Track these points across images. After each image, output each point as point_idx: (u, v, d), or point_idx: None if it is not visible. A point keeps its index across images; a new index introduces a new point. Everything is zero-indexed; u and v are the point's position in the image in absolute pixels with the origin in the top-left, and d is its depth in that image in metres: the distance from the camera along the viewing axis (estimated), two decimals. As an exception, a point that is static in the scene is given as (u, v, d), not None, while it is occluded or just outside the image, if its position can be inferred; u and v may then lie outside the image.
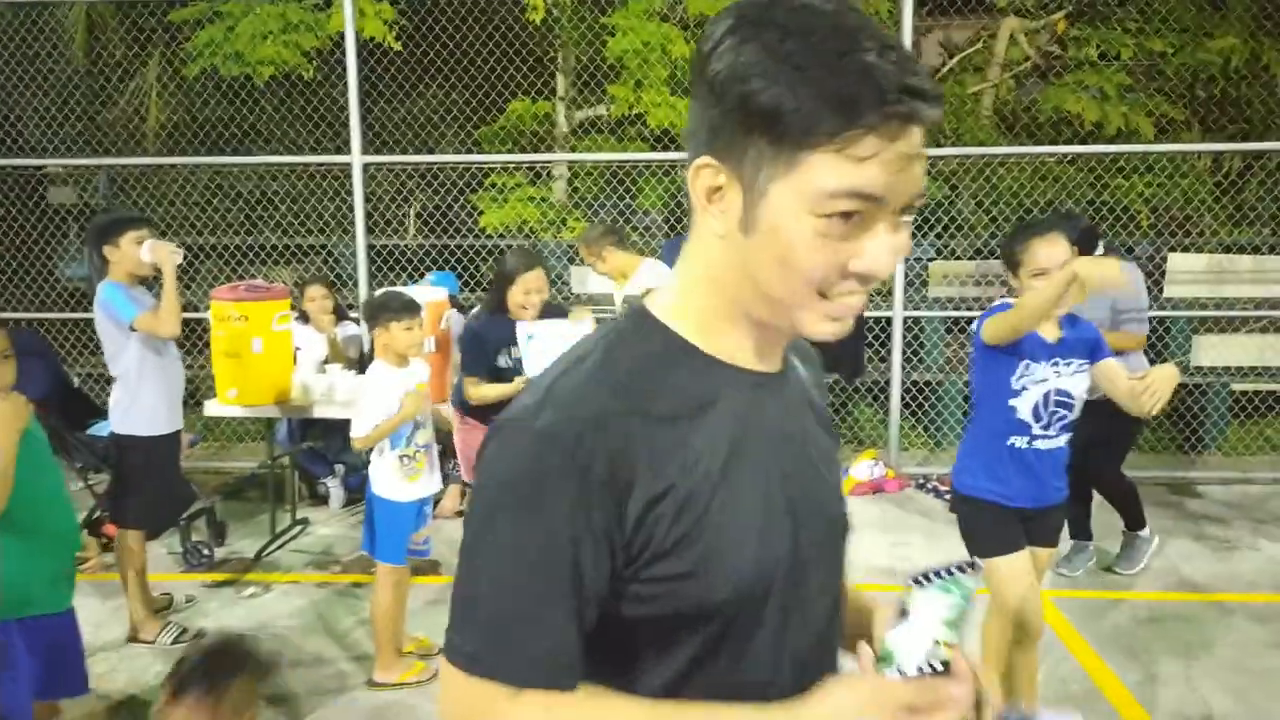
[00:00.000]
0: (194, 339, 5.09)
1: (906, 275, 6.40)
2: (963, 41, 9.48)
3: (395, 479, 3.38)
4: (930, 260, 7.29)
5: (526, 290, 3.81)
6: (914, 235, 5.71)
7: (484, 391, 3.87)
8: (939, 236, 7.44)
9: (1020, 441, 2.81)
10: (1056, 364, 2.79)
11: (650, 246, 7.38)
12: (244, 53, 6.84)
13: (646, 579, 0.84)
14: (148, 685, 3.44)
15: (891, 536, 4.96)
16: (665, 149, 7.32)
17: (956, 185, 7.65)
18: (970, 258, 7.33)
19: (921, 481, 5.91)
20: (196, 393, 5.54)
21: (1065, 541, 4.11)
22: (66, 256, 8.26)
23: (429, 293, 4.56)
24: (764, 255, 0.82)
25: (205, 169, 7.76)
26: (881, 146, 0.76)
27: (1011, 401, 2.79)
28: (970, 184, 7.34)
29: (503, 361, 3.90)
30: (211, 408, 4.42)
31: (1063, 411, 2.82)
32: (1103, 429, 3.77)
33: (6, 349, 2.34)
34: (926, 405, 6.74)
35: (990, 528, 2.84)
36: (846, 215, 0.78)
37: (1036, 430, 2.80)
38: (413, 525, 3.47)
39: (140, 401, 3.58)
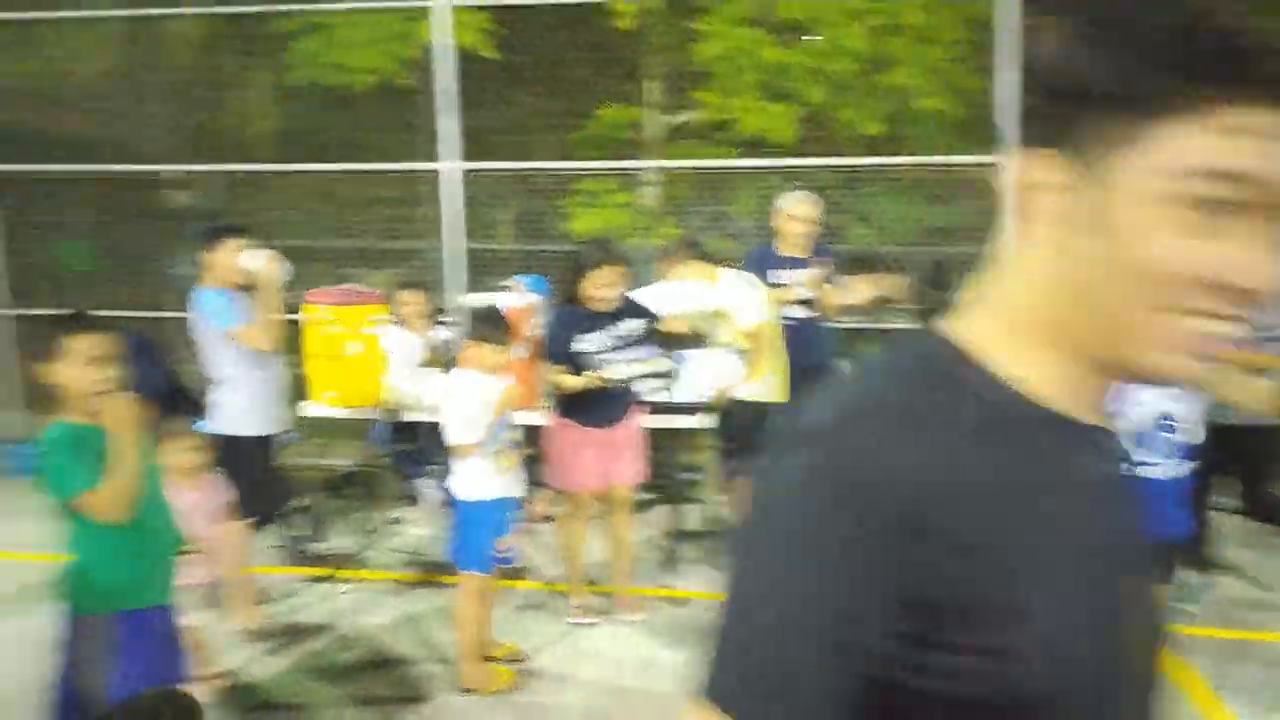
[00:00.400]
0: (294, 340, 5.27)
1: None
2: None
3: (483, 476, 3.39)
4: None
5: (598, 285, 3.81)
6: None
7: (565, 380, 3.88)
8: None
9: None
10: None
11: (740, 252, 7.29)
12: (343, 62, 7.05)
13: (938, 646, 0.69)
14: (246, 671, 3.57)
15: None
16: (756, 155, 7.25)
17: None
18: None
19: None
20: (295, 391, 5.72)
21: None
22: (179, 258, 8.64)
23: (519, 298, 4.59)
24: (1099, 259, 0.66)
25: (309, 173, 8.01)
26: (1257, 119, 0.61)
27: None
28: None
29: (582, 346, 3.88)
30: (308, 408, 4.56)
31: (1169, 436, 2.64)
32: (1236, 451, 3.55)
33: (119, 351, 2.42)
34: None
35: None
36: (1211, 204, 0.62)
37: (1137, 456, 2.64)
38: (497, 530, 3.49)
39: (237, 404, 3.71)
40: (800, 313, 4.83)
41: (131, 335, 4.81)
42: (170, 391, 4.63)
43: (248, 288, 3.83)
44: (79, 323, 2.34)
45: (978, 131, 7.65)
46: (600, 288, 3.81)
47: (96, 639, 2.21)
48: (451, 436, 3.39)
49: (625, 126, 8.51)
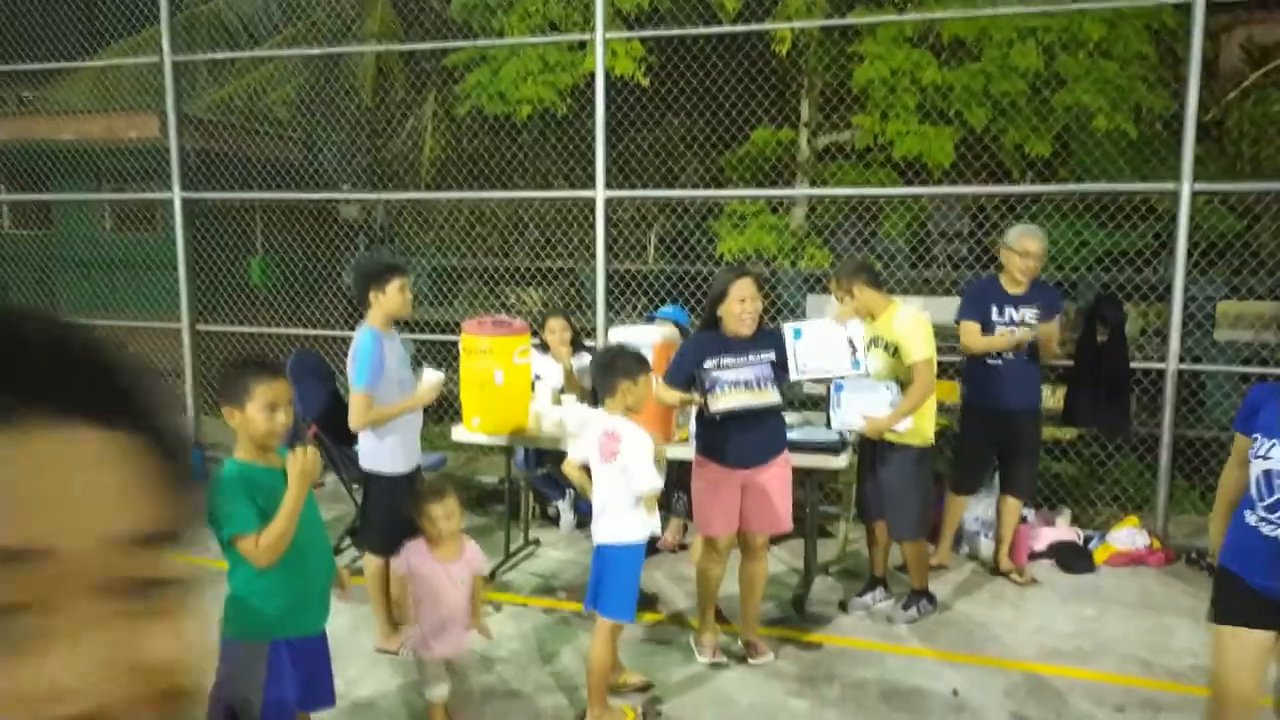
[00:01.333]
0: (451, 359, 5.51)
1: (1187, 318, 5.68)
2: (1273, 44, 8.27)
3: (633, 516, 3.35)
4: (1220, 299, 6.44)
5: (741, 298, 3.68)
6: (1200, 271, 5.02)
7: (664, 393, 3.82)
8: (1236, 274, 6.57)
9: (1250, 517, 2.54)
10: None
11: (894, 278, 7.08)
12: (507, 92, 7.33)
13: None
14: (389, 693, 3.73)
15: (1149, 620, 4.41)
16: (910, 179, 7.01)
17: (1260, 216, 6.72)
18: (1271, 297, 6.41)
19: (1194, 556, 5.22)
20: (449, 411, 5.97)
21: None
22: (350, 265, 9.20)
23: (660, 333, 4.60)
24: None
25: (467, 199, 8.38)
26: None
27: (1249, 471, 2.56)
28: (1272, 220, 6.43)
29: (708, 366, 3.77)
30: (458, 433, 4.74)
31: None
32: None
33: (288, 399, 2.52)
34: (1205, 468, 5.94)
35: (1219, 593, 2.65)
36: None
37: (1260, 509, 2.51)
38: (640, 574, 3.44)
39: (384, 443, 3.89)
40: (1014, 353, 4.61)
41: (301, 354, 5.18)
42: (336, 409, 4.93)
43: (403, 322, 4.00)
44: (260, 368, 2.49)
45: (1156, 150, 7.12)
46: (742, 301, 3.68)
47: (250, 664, 2.37)
48: (640, 485, 3.29)
49: (777, 148, 8.44)
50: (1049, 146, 6.86)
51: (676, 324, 5.74)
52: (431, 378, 3.95)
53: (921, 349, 4.09)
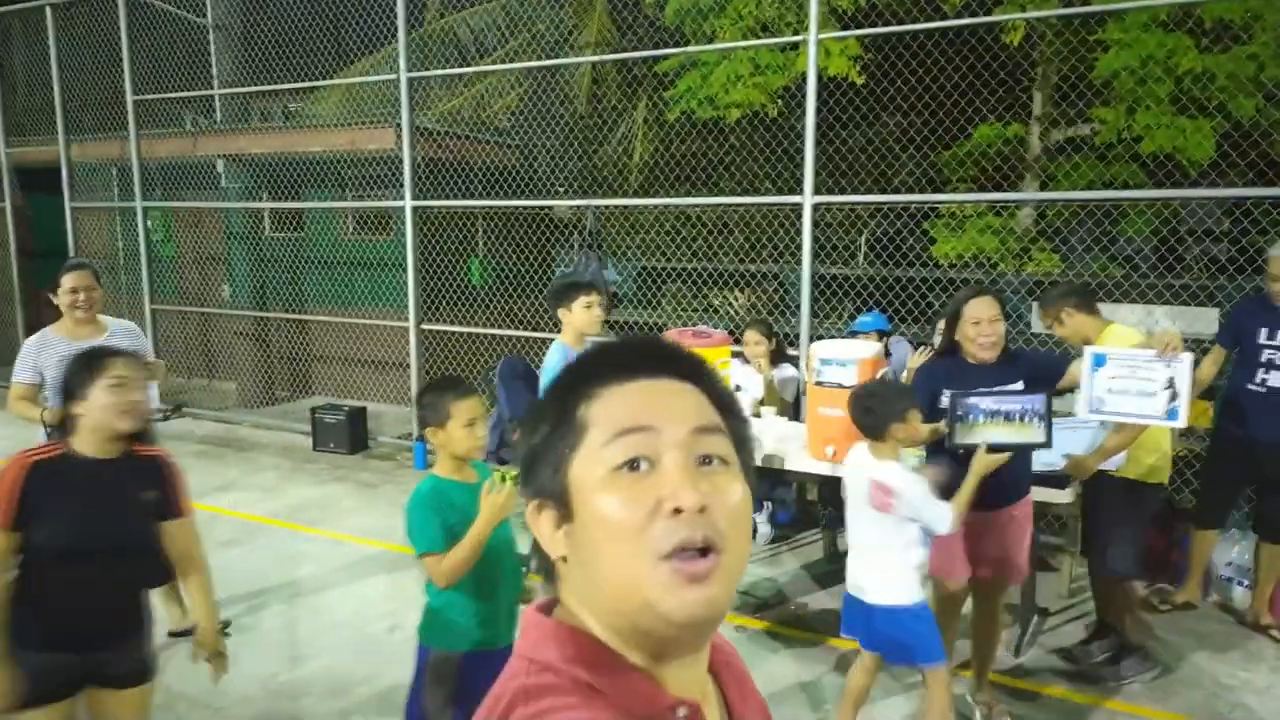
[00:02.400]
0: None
1: None
2: None
3: (911, 574, 3.07)
4: None
5: (976, 320, 3.27)
6: None
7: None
8: None
9: None
10: None
11: (1137, 287, 6.39)
12: (716, 97, 7.27)
13: None
14: None
15: None
16: (1160, 176, 6.29)
17: None
18: None
19: None
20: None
21: None
22: (563, 261, 9.50)
23: (870, 349, 4.36)
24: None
25: (676, 205, 8.42)
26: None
27: None
28: None
29: (945, 401, 3.36)
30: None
31: None
32: None
33: (484, 414, 2.63)
34: None
35: None
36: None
37: None
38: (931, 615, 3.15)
39: None
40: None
41: (510, 359, 5.38)
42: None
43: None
44: (459, 388, 2.59)
45: None
46: (977, 324, 3.26)
47: (443, 674, 2.45)
48: (940, 526, 3.02)
49: (1003, 143, 7.87)
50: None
51: (878, 332, 5.47)
52: None
53: None
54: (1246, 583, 4.50)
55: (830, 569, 5.18)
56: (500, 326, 7.94)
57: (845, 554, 5.36)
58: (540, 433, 0.83)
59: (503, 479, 2.48)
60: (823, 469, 4.36)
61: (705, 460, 0.79)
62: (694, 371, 0.85)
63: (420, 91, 10.36)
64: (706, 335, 4.49)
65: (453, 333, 7.81)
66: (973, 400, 3.22)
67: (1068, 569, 4.81)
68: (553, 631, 0.81)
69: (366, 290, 9.53)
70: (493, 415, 5.28)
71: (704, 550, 0.75)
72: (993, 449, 3.16)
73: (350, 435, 7.55)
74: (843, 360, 4.14)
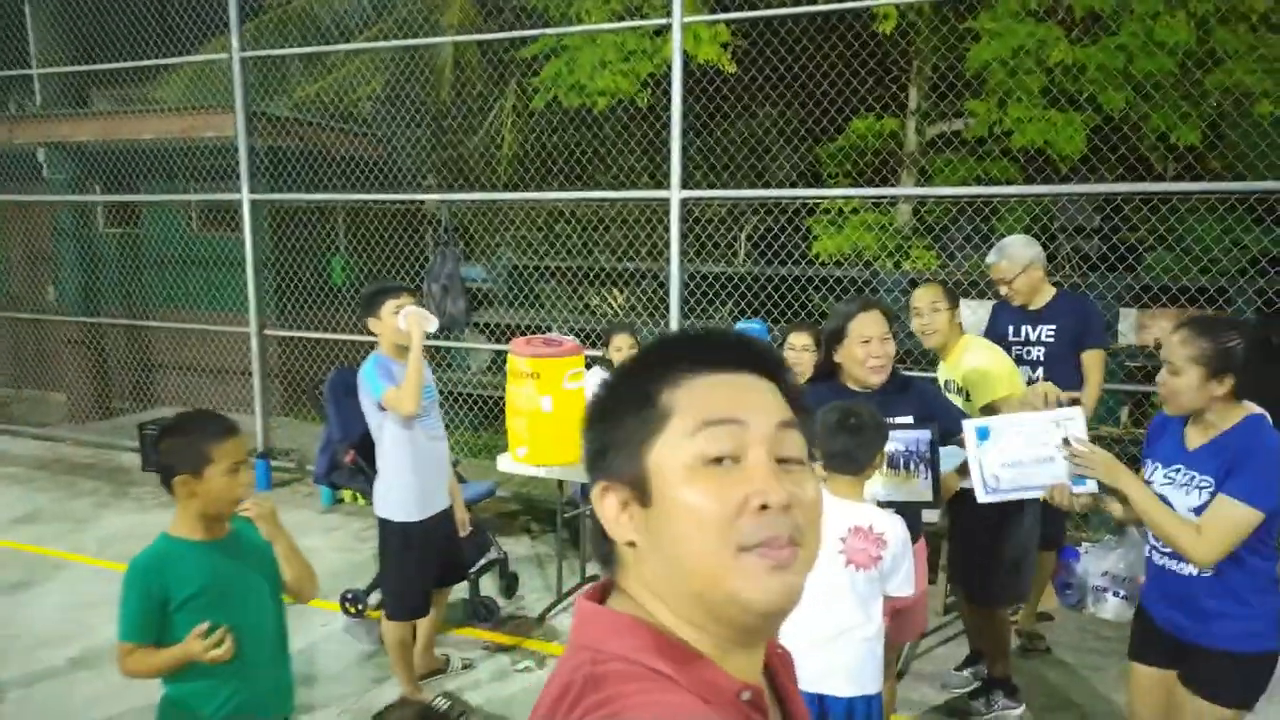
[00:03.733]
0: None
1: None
2: None
3: (878, 657, 2.51)
4: None
5: (865, 339, 2.77)
6: None
7: None
8: None
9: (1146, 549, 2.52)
10: (1175, 472, 2.36)
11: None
12: (584, 83, 6.84)
13: None
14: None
15: None
16: (1033, 171, 6.18)
17: None
18: None
19: None
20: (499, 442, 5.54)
21: None
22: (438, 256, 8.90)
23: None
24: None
25: (543, 200, 7.95)
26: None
27: None
28: None
29: None
30: (503, 463, 4.28)
31: None
32: None
33: (243, 458, 2.16)
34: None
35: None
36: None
37: (1152, 537, 2.44)
38: None
39: (397, 485, 3.41)
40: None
41: (341, 371, 4.80)
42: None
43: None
44: (219, 426, 2.15)
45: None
46: (861, 356, 2.78)
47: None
48: (900, 590, 2.44)
49: (880, 138, 7.69)
50: (1199, 134, 5.92)
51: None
52: (417, 315, 3.38)
53: (996, 390, 3.37)
54: (1123, 593, 4.34)
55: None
56: (360, 331, 7.32)
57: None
58: (615, 415, 0.84)
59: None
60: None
61: (784, 460, 0.81)
62: (774, 369, 0.87)
63: (275, 76, 9.61)
64: (557, 343, 4.05)
65: (304, 339, 7.15)
66: None
67: (941, 587, 4.57)
68: (614, 622, 0.82)
69: (212, 292, 8.74)
70: (322, 435, 4.73)
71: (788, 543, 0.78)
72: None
73: (154, 460, 6.79)
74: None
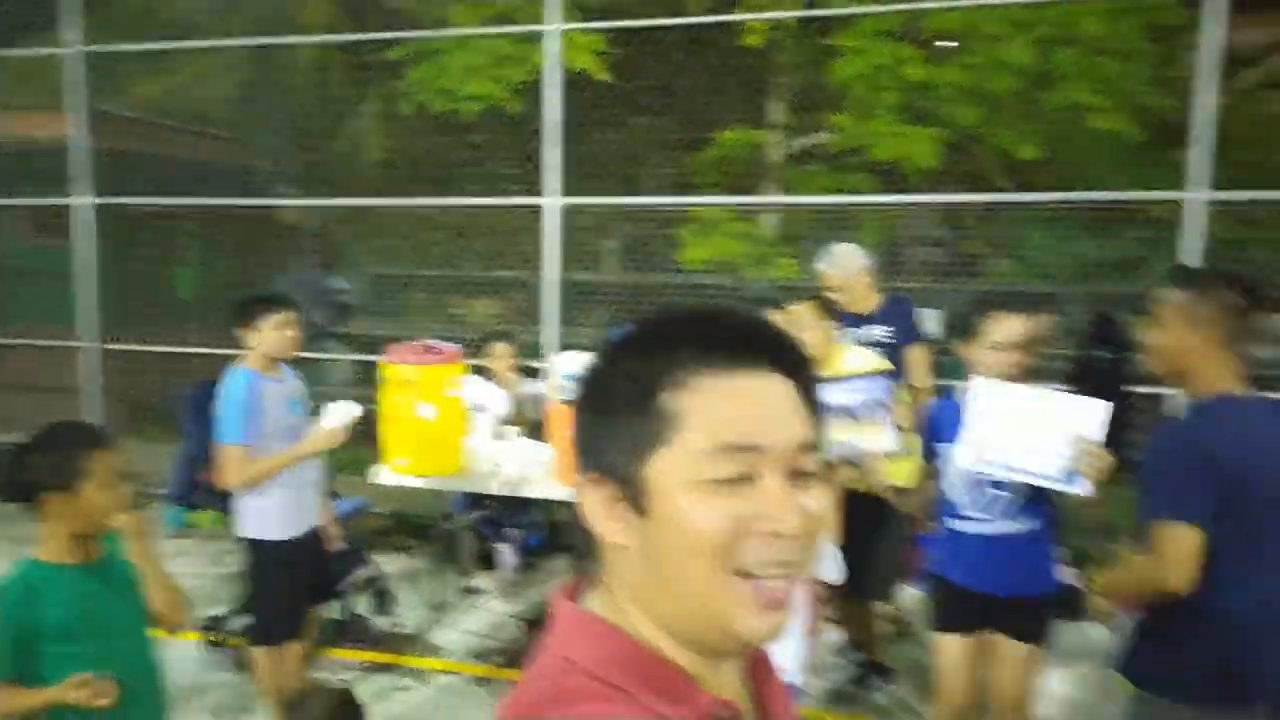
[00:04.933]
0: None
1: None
2: (1255, 46, 7.92)
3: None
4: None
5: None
6: None
7: None
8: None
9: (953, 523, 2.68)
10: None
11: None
12: (453, 88, 6.72)
13: None
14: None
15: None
16: (890, 184, 6.49)
17: (1256, 227, 6.29)
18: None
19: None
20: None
21: None
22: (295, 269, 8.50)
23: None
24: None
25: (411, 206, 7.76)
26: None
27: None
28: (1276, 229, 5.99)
29: None
30: (382, 475, 4.11)
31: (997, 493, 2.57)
32: None
33: (120, 470, 2.02)
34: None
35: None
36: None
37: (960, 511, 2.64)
38: None
39: (266, 503, 3.23)
40: None
41: (202, 384, 4.52)
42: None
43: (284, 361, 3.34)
44: (94, 437, 2.04)
45: (1154, 155, 6.65)
46: None
47: None
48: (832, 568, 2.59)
49: (747, 150, 7.89)
50: (1038, 150, 6.37)
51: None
52: (339, 413, 3.31)
53: None
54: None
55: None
56: (217, 345, 6.89)
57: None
58: (610, 409, 0.77)
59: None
60: (573, 495, 3.95)
61: (799, 474, 0.76)
62: (795, 365, 0.78)
63: (111, 74, 8.97)
64: (437, 351, 3.93)
65: (147, 353, 6.67)
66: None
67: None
68: (587, 627, 0.78)
69: (37, 304, 8.05)
70: (179, 452, 4.43)
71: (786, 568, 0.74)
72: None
73: (8, 480, 6.21)
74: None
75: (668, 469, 0.73)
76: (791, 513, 0.73)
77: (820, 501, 0.76)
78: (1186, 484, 1.93)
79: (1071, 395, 2.49)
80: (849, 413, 2.84)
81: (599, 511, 0.77)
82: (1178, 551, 1.90)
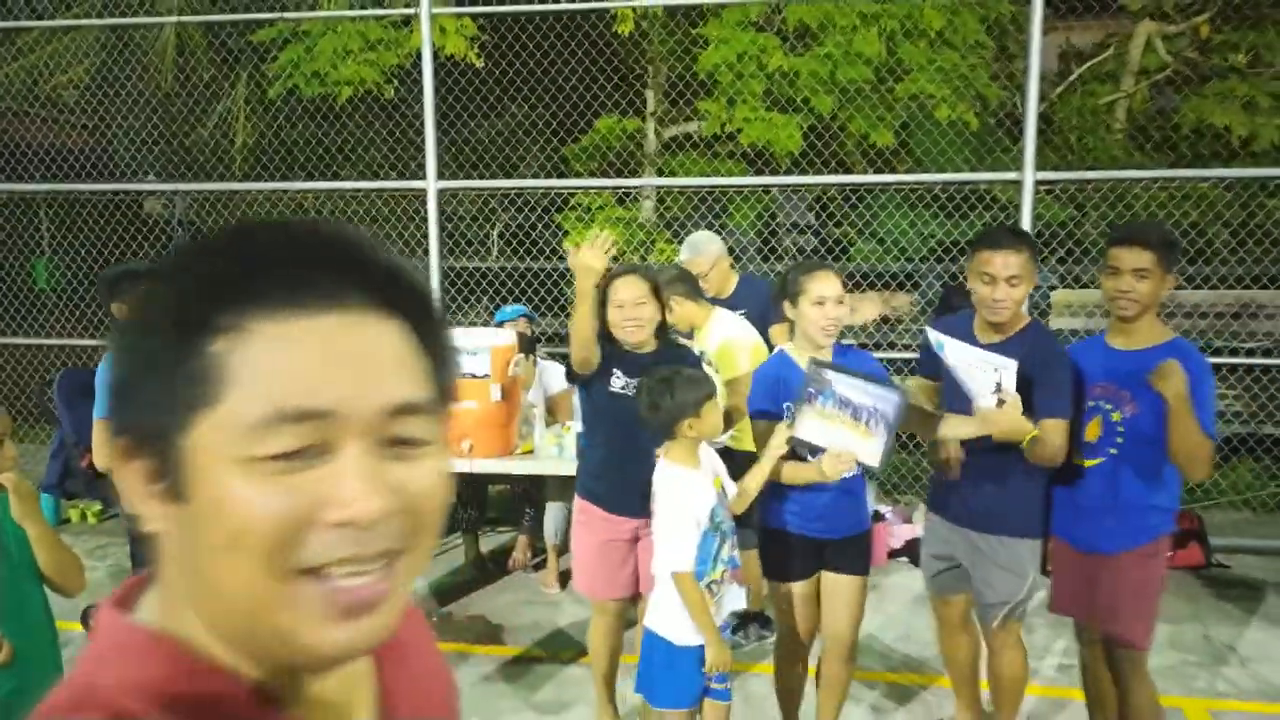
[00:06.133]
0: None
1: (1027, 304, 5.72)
2: (1088, 45, 8.69)
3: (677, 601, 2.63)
4: (1052, 289, 6.61)
5: (620, 304, 3.03)
6: (1039, 261, 4.79)
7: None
8: (1061, 263, 6.74)
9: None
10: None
11: (743, 267, 6.87)
12: (324, 72, 6.66)
13: None
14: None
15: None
16: (758, 168, 6.83)
17: (1084, 205, 6.93)
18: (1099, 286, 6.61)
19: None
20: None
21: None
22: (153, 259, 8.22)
23: (505, 335, 4.14)
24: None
25: (287, 190, 7.63)
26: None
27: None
28: (1100, 205, 6.62)
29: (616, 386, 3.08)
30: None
31: None
32: None
33: (6, 431, 2.04)
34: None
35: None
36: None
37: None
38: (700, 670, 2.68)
39: None
40: None
41: (71, 371, 4.42)
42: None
43: None
44: None
45: (993, 143, 7.23)
46: (625, 319, 3.03)
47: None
48: (665, 559, 2.63)
49: (623, 137, 8.11)
50: (892, 137, 6.83)
51: (527, 319, 5.28)
52: None
53: (738, 364, 3.66)
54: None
55: (474, 575, 4.92)
56: (73, 335, 6.64)
57: (489, 559, 5.15)
58: (148, 356, 0.56)
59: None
60: (461, 467, 4.09)
61: (399, 442, 0.58)
62: (401, 300, 0.59)
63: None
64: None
65: (6, 345, 6.38)
66: (833, 375, 2.67)
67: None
68: (127, 640, 0.59)
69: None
70: (54, 440, 4.32)
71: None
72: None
73: None
74: (474, 348, 3.89)
75: (211, 440, 0.54)
76: (372, 495, 0.55)
77: (430, 475, 0.59)
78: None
79: (989, 353, 2.69)
80: (854, 411, 2.69)
81: (134, 486, 0.57)
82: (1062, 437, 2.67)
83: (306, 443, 0.54)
